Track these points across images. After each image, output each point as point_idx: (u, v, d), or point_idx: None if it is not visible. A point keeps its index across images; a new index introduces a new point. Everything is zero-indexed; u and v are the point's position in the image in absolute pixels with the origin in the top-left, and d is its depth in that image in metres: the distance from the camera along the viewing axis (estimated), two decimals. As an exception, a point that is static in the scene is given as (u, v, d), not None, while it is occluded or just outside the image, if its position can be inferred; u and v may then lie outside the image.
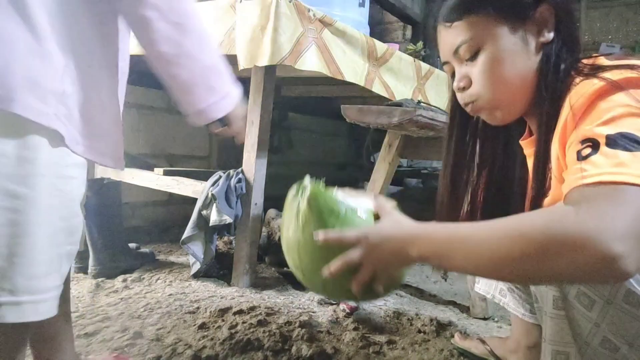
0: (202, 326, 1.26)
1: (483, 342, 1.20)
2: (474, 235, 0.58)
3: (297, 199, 0.71)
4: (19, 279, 0.63)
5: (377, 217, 0.70)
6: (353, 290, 0.67)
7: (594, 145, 0.56)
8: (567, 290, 0.62)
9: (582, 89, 0.62)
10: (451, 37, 0.74)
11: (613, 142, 0.55)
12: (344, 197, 0.71)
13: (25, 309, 0.64)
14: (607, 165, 0.54)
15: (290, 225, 0.71)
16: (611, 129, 0.56)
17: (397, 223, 0.65)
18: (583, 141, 0.58)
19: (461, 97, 0.78)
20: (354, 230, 0.65)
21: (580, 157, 0.57)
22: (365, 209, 0.71)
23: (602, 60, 0.66)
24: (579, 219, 0.51)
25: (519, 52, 0.70)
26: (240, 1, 1.50)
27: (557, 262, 0.51)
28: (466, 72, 0.75)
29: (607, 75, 0.60)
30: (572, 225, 0.51)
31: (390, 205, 0.71)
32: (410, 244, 0.62)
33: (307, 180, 0.73)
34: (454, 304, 1.68)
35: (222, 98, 0.84)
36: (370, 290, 0.68)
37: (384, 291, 0.69)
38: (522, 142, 0.84)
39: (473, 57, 0.72)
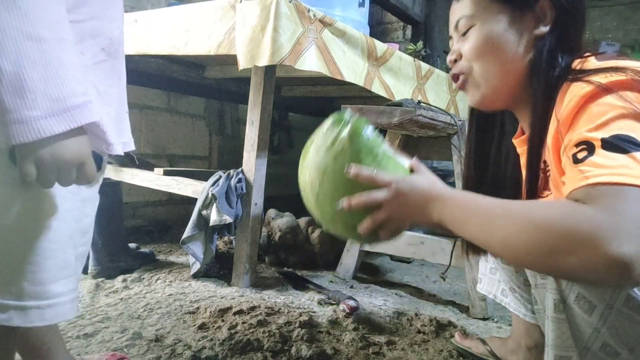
0: (202, 326, 1.26)
1: (483, 342, 1.20)
2: (491, 213, 0.59)
3: (337, 129, 0.70)
4: (25, 284, 0.63)
5: (411, 172, 0.72)
6: (360, 229, 0.68)
7: (590, 147, 0.56)
8: (566, 293, 0.61)
9: (571, 93, 0.63)
10: (457, 10, 0.79)
11: (609, 144, 0.55)
12: (383, 143, 0.71)
13: (31, 314, 0.63)
14: (607, 166, 0.54)
15: (321, 149, 0.70)
16: (606, 132, 0.56)
17: (430, 181, 0.67)
18: (578, 144, 0.58)
19: (452, 70, 0.81)
20: (387, 174, 0.67)
21: (577, 160, 0.57)
22: (401, 161, 0.72)
23: (592, 62, 0.66)
24: (590, 217, 0.51)
25: (510, 39, 0.73)
26: (240, 1, 1.50)
27: (564, 258, 0.51)
28: (459, 48, 0.78)
29: (595, 78, 0.61)
30: (584, 223, 0.50)
31: (425, 167, 0.72)
32: (434, 203, 0.65)
33: (348, 113, 0.72)
34: (453, 303, 1.68)
35: (12, 122, 0.51)
36: (375, 233, 0.69)
37: (387, 239, 0.71)
38: (514, 141, 0.85)
39: (468, 32, 0.76)
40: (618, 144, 0.55)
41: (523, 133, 0.83)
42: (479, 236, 0.60)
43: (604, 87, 0.59)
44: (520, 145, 0.84)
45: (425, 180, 0.68)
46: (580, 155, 0.57)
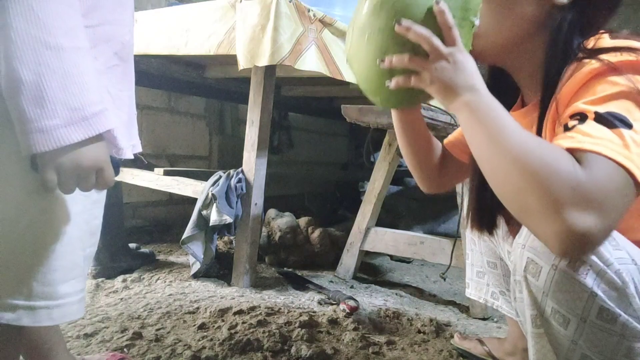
0: (202, 326, 1.26)
1: (482, 343, 1.20)
2: (500, 134, 0.58)
3: None
4: (34, 285, 0.63)
5: None
6: (392, 60, 0.66)
7: (582, 118, 0.57)
8: (542, 307, 0.61)
9: (578, 69, 0.62)
10: None
11: (601, 118, 0.55)
12: (477, 16, 0.70)
13: (40, 314, 0.64)
14: (591, 135, 0.54)
15: None
16: (602, 107, 0.56)
17: (480, 76, 0.65)
18: (572, 115, 0.58)
19: None
20: (460, 38, 0.65)
21: (567, 128, 0.58)
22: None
23: (605, 40, 0.65)
24: (575, 175, 0.51)
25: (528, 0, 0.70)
26: (241, 1, 1.50)
27: (531, 194, 0.52)
28: None
29: (606, 57, 0.60)
30: (566, 178, 0.51)
31: None
32: (470, 92, 0.63)
33: None
34: (453, 304, 1.69)
35: (32, 131, 0.52)
36: (389, 75, 0.68)
37: (395, 88, 0.69)
38: (512, 113, 0.83)
39: None
40: (610, 120, 0.55)
41: (522, 104, 0.82)
42: (477, 146, 0.61)
43: (612, 65, 0.59)
44: (519, 117, 0.81)
45: (477, 72, 0.65)
46: (571, 124, 0.57)
